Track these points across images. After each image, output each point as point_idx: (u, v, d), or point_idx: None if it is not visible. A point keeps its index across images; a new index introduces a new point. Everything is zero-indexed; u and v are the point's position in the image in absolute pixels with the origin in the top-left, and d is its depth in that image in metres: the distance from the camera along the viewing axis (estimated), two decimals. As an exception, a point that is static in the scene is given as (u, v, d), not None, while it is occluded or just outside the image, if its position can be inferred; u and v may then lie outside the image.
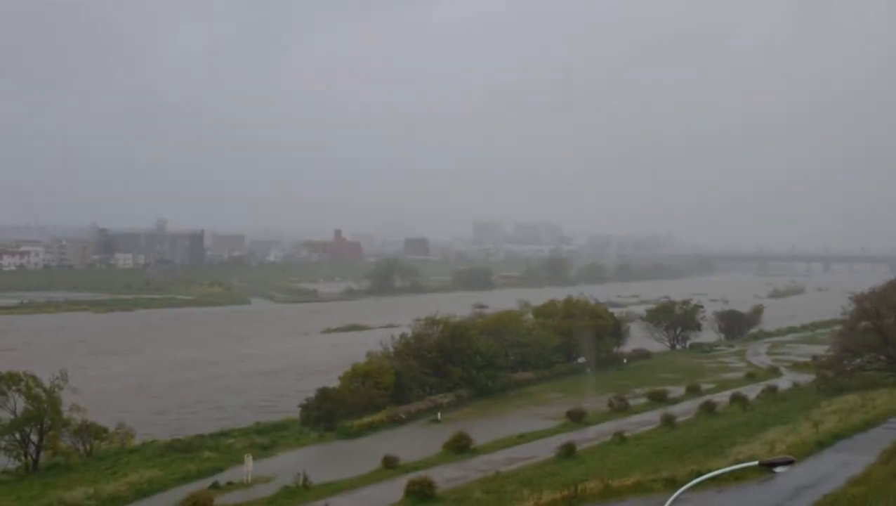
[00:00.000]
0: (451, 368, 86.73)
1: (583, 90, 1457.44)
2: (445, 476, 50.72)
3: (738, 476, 41.55)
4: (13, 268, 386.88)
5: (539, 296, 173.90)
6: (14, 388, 61.78)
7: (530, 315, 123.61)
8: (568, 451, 56.70)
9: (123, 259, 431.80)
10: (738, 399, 79.20)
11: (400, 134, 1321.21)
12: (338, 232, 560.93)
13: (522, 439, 65.10)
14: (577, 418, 72.21)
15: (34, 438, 62.26)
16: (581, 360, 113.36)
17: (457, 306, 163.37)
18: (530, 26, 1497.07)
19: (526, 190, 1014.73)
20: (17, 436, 61.59)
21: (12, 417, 61.11)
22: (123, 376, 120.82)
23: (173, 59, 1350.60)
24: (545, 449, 59.76)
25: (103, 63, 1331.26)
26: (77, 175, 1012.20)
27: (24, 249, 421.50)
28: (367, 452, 60.27)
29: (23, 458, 62.07)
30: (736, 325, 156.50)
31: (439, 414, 76.83)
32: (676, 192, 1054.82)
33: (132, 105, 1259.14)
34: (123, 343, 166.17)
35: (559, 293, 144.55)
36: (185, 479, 53.66)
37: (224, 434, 70.15)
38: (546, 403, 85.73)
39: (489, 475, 51.28)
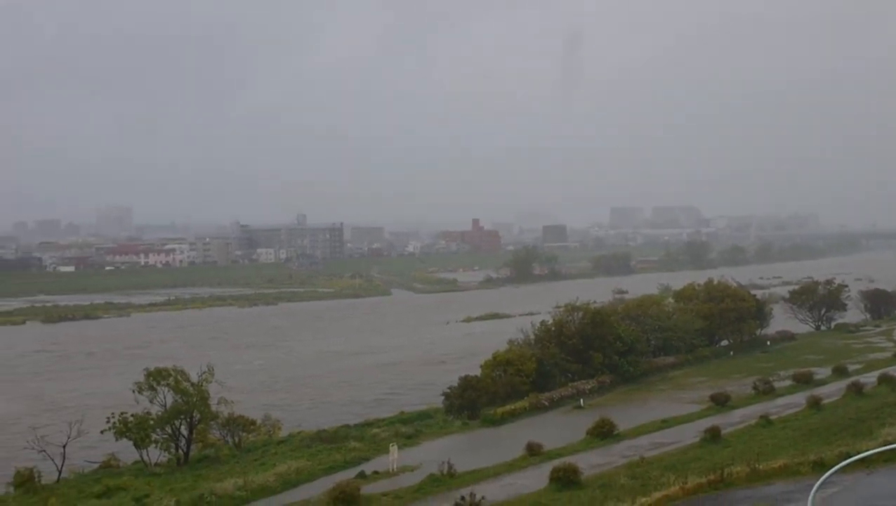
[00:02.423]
0: (592, 354, 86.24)
1: (724, 70, 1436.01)
2: (590, 462, 50.53)
3: (887, 458, 40.50)
4: (160, 266, 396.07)
5: (679, 280, 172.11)
6: (163, 382, 63.08)
7: (671, 299, 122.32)
8: (713, 435, 56.00)
9: (265, 254, 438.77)
10: (886, 380, 77.23)
11: (535, 122, 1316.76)
12: (475, 221, 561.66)
13: (666, 424, 64.47)
14: (721, 402, 71.25)
15: (184, 431, 63.58)
16: (724, 343, 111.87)
17: (596, 292, 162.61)
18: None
19: (664, 173, 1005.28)
20: (169, 430, 62.98)
21: (163, 411, 62.47)
22: (266, 369, 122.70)
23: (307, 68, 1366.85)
24: (689, 434, 59.13)
25: (247, 67, 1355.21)
26: (217, 176, 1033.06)
27: (169, 247, 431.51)
28: (510, 439, 60.23)
29: (174, 451, 63.43)
30: (882, 304, 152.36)
31: (582, 400, 76.55)
32: (821, 170, 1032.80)
33: (272, 108, 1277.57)
34: (266, 337, 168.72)
35: (699, 277, 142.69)
36: (332, 469, 54.25)
37: (369, 424, 70.76)
38: (689, 387, 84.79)
39: (633, 461, 50.88)
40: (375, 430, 66.70)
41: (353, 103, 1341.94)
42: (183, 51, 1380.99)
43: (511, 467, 51.56)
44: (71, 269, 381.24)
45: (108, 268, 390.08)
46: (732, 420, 64.06)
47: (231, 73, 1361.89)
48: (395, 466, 52.67)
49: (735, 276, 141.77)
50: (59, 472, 59.58)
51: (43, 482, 57.23)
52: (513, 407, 71.66)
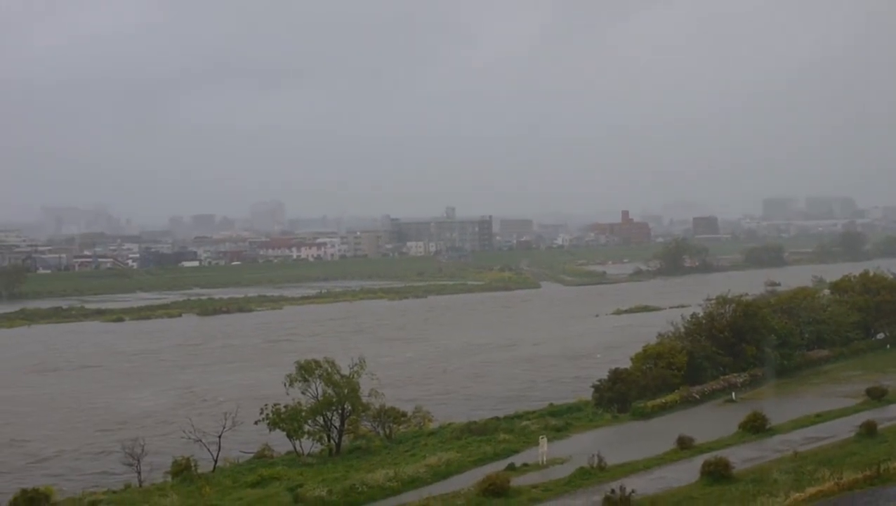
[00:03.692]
0: (744, 347, 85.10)
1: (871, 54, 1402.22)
2: (741, 456, 49.96)
3: None
4: (312, 259, 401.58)
5: (833, 272, 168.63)
6: (315, 375, 64.01)
7: (826, 291, 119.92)
8: (868, 430, 54.83)
9: (415, 247, 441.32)
10: None
11: (687, 113, 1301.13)
12: (625, 213, 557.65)
13: (819, 418, 63.32)
14: (877, 396, 69.70)
15: (336, 422, 64.46)
16: (880, 336, 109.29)
17: (748, 285, 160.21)
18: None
19: (818, 164, 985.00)
20: (320, 421, 63.91)
21: (314, 402, 63.38)
22: (415, 361, 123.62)
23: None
24: (844, 428, 57.97)
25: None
26: (372, 168, 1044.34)
27: (321, 240, 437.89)
28: (660, 432, 59.82)
29: (326, 442, 64.36)
30: None
31: (734, 394, 75.64)
32: None
33: (425, 103, 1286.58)
34: (415, 330, 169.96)
35: (854, 269, 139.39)
36: (482, 461, 54.52)
37: (518, 417, 70.87)
38: (843, 381, 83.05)
39: (786, 455, 50.17)
40: (525, 422, 66.79)
41: (503, 99, 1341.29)
42: (346, 47, 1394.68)
43: (662, 460, 51.24)
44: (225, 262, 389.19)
45: (260, 261, 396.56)
46: (889, 415, 62.65)
47: (383, 77, 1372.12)
48: (544, 458, 52.72)
49: (892, 268, 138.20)
50: (215, 461, 60.90)
51: (199, 471, 58.53)
52: (663, 400, 71.14)
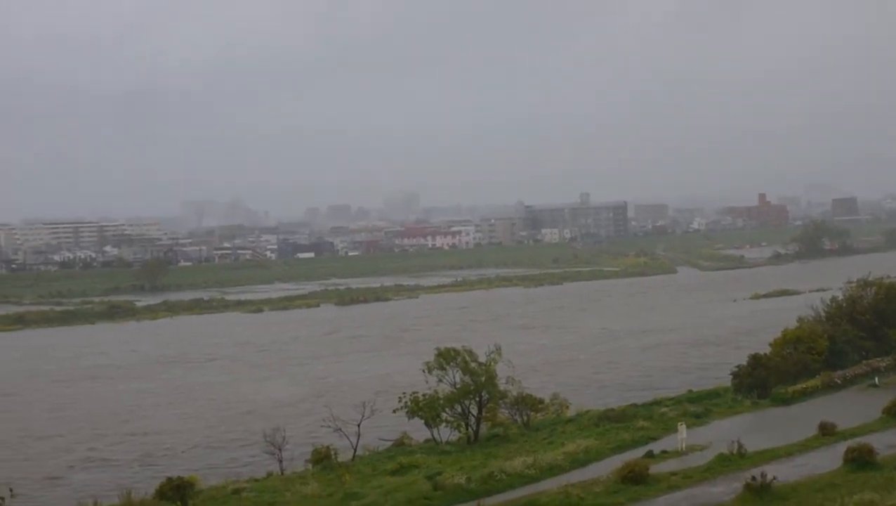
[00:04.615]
0: (887, 331, 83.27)
1: None
2: (886, 443, 48.92)
3: None
4: (447, 248, 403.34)
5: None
6: (452, 363, 64.32)
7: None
8: None
9: (550, 234, 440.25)
10: None
11: (828, 96, 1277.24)
12: (762, 196, 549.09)
13: (969, 403, 61.83)
14: None
15: (473, 410, 64.72)
16: None
17: (890, 267, 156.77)
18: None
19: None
20: (458, 409, 64.25)
21: (452, 391, 63.73)
22: (551, 348, 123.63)
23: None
24: None
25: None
26: (505, 155, 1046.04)
27: (456, 229, 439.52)
28: (801, 418, 58.87)
29: (464, 429, 64.69)
30: None
31: (877, 379, 74.06)
32: None
33: (554, 90, 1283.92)
34: (551, 317, 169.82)
35: None
36: (620, 448, 54.29)
37: (656, 403, 70.38)
38: None
39: (934, 441, 49.19)
40: (663, 409, 66.33)
41: (634, 84, 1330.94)
42: (470, 35, 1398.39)
43: (803, 447, 50.50)
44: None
45: (396, 251, 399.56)
46: None
47: (516, 62, 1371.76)
48: (683, 445, 52.36)
49: None
50: (355, 449, 61.59)
51: (339, 460, 59.30)
52: (804, 386, 70.00)
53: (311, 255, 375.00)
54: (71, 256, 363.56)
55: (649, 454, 51.12)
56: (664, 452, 51.97)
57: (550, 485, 45.96)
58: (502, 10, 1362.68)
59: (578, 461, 51.32)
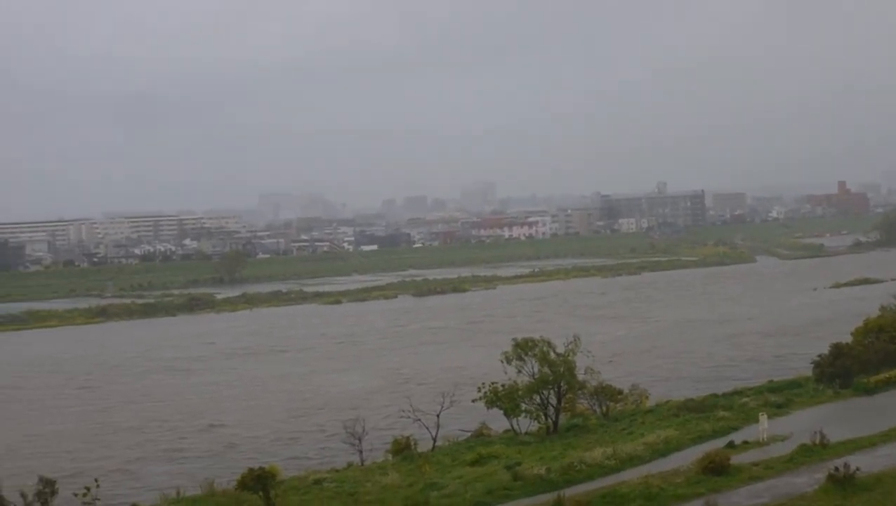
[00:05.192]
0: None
1: None
2: (973, 432, 48.40)
3: None
4: (523, 238, 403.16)
5: None
6: (531, 353, 64.24)
7: None
8: None
9: (626, 224, 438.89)
10: None
11: None
12: (841, 184, 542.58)
13: None
14: None
15: (552, 401, 64.58)
16: None
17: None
18: None
19: None
20: (537, 399, 64.16)
21: (531, 381, 63.65)
22: (627, 339, 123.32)
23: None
24: None
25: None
26: (581, 145, 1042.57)
27: (532, 219, 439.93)
28: (885, 408, 58.12)
29: (543, 420, 64.58)
30: None
31: (963, 367, 73.05)
32: None
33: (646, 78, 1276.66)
34: (629, 306, 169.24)
35: None
36: (701, 438, 53.93)
37: (737, 393, 69.73)
38: None
39: None
40: (744, 399, 65.72)
41: (713, 75, 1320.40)
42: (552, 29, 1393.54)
43: (887, 437, 49.86)
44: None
45: (473, 242, 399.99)
46: None
47: (592, 53, 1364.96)
48: (765, 435, 51.91)
49: None
50: (434, 440, 61.79)
51: (419, 450, 59.55)
52: (887, 375, 69.04)
53: (388, 246, 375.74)
54: (151, 250, 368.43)
55: (730, 445, 50.80)
56: (745, 442, 51.58)
57: (631, 475, 45.82)
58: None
59: (659, 452, 51.08)
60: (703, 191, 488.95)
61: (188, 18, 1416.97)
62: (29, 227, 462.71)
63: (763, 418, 53.24)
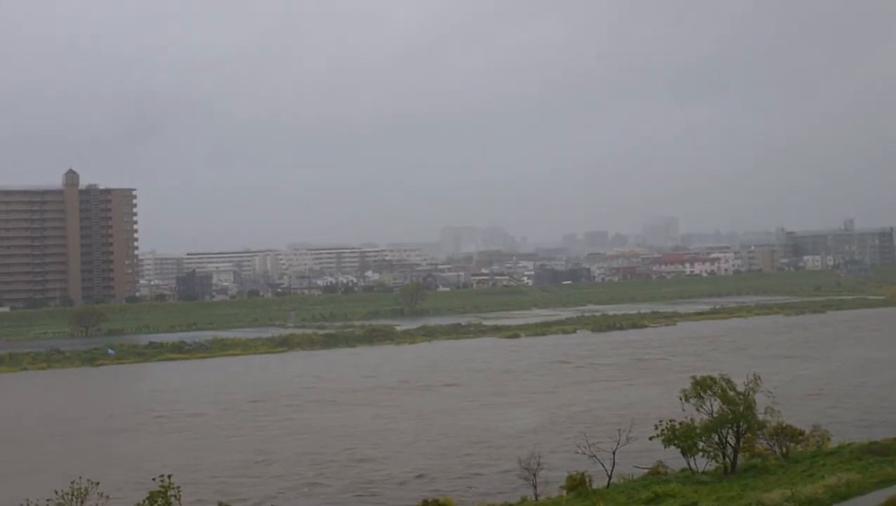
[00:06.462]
0: None
1: None
2: None
3: None
4: (705, 274, 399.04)
5: None
6: (709, 391, 63.43)
7: None
8: None
9: (811, 261, 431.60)
10: None
11: None
12: None
13: None
14: None
15: (731, 440, 63.59)
16: None
17: None
18: None
19: None
20: (715, 438, 63.25)
21: (708, 419, 62.82)
22: (810, 378, 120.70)
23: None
24: None
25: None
26: (765, 180, 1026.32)
27: (714, 255, 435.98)
28: None
29: (720, 459, 63.66)
30: None
31: None
32: None
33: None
34: (810, 346, 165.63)
35: None
36: (884, 482, 52.41)
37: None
38: None
39: None
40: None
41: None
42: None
43: None
44: (617, 279, 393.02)
45: (653, 277, 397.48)
46: None
47: (785, 84, 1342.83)
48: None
49: None
50: (609, 477, 61.41)
51: (593, 487, 59.25)
52: None
53: (568, 281, 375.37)
54: (333, 281, 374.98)
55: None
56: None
57: (810, 518, 44.88)
58: (778, 30, 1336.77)
59: (839, 495, 49.82)
60: (892, 228, 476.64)
61: (398, 47, 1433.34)
62: (217, 257, 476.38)
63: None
